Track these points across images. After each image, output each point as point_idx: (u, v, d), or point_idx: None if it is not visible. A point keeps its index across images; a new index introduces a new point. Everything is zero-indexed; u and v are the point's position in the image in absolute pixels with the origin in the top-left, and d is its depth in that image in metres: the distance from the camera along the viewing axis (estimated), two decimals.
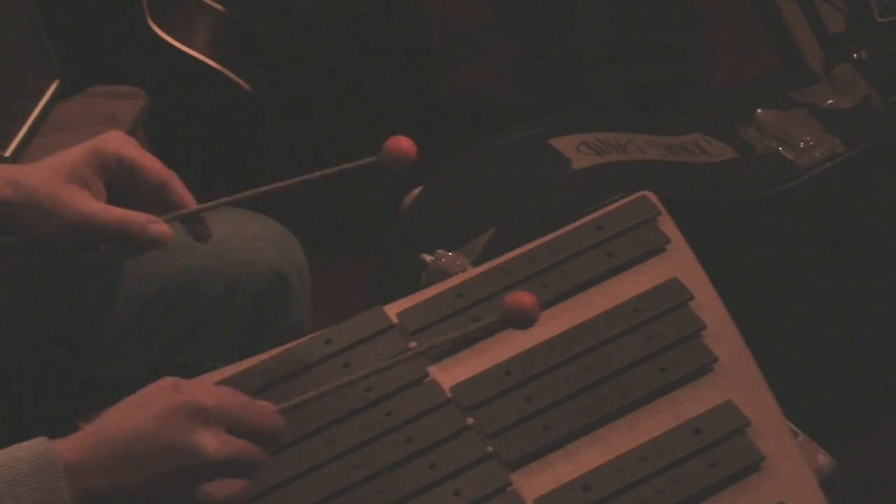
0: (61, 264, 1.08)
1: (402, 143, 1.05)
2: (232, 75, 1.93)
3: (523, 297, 0.95)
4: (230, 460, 0.89)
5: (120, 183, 1.05)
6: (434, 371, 1.06)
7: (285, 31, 2.11)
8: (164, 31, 1.86)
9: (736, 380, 1.04)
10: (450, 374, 1.05)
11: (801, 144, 1.60)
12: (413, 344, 1.07)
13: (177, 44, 1.87)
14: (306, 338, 1.09)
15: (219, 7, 1.96)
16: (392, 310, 1.10)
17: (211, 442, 0.88)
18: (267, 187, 1.09)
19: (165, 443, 0.87)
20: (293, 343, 1.09)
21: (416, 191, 1.58)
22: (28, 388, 1.21)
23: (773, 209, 1.56)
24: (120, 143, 1.05)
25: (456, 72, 2.43)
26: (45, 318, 1.19)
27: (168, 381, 0.91)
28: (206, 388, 0.90)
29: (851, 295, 1.68)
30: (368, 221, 2.11)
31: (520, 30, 2.01)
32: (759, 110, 1.66)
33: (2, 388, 1.19)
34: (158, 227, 1.03)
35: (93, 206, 1.02)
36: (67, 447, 0.88)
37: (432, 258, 1.42)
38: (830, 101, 1.68)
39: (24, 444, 0.88)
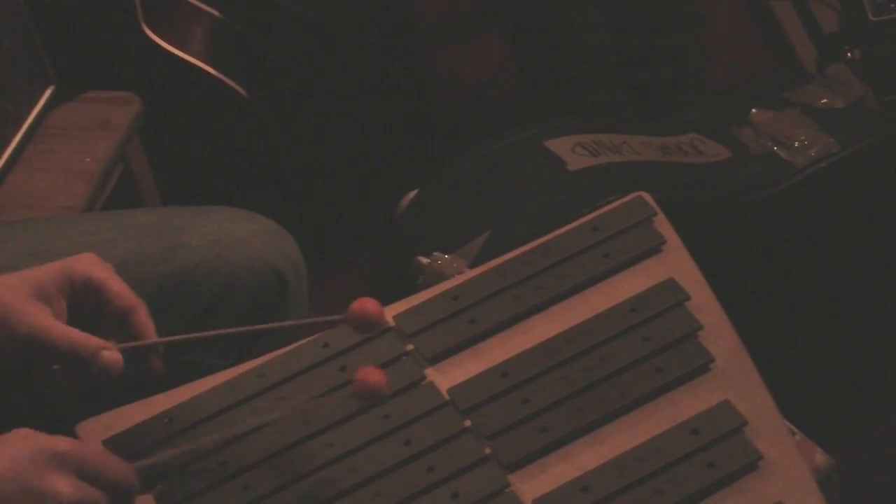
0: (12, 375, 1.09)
1: (368, 306, 1.03)
2: (227, 80, 1.93)
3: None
4: None
5: (86, 305, 1.06)
6: (431, 373, 1.06)
7: (280, 35, 2.11)
8: (158, 36, 1.86)
9: (733, 379, 1.04)
10: (447, 377, 1.05)
11: (796, 144, 1.60)
12: (410, 347, 1.07)
13: (171, 49, 1.87)
14: (304, 341, 1.09)
15: (213, 12, 1.96)
16: (388, 312, 1.10)
17: (64, 487, 0.91)
18: (223, 331, 1.13)
19: (20, 484, 0.89)
20: (291, 346, 1.09)
21: (412, 194, 1.58)
22: (26, 390, 1.21)
23: (768, 209, 1.57)
24: (91, 264, 1.06)
25: (452, 74, 2.43)
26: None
27: (20, 431, 0.93)
28: (61, 438, 0.93)
29: (847, 294, 1.68)
30: (365, 224, 2.12)
31: (516, 32, 2.01)
32: (753, 110, 1.66)
33: (1, 390, 1.19)
34: (110, 354, 1.02)
35: (49, 322, 1.02)
36: None
37: (428, 261, 1.42)
38: (825, 101, 1.68)
39: None
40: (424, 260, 1.42)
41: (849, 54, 1.87)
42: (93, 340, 1.03)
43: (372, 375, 0.98)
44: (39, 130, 1.73)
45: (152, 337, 1.06)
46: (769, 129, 1.63)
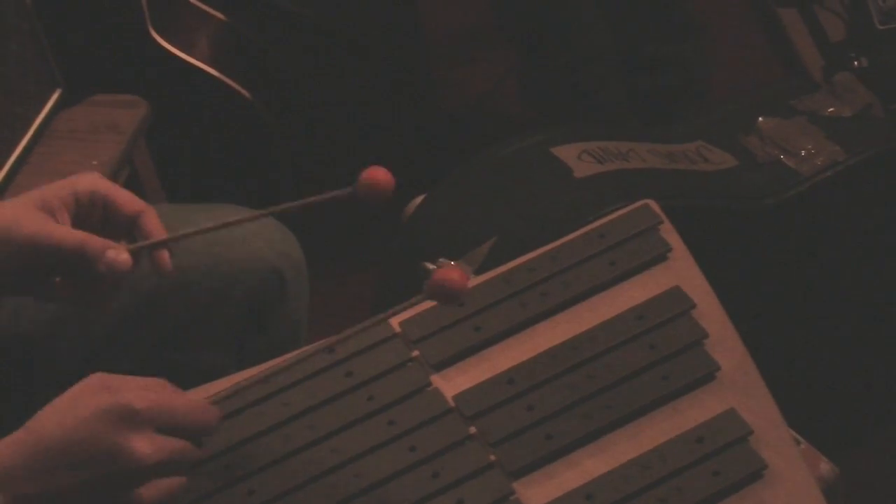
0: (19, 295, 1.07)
1: (378, 174, 1.02)
2: (233, 84, 1.93)
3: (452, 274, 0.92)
4: (162, 463, 0.88)
5: (94, 217, 1.05)
6: (436, 380, 1.06)
7: (286, 40, 2.11)
8: (165, 39, 1.86)
9: (738, 388, 1.04)
10: (452, 384, 1.05)
11: (803, 152, 1.60)
12: (416, 353, 1.07)
13: (178, 53, 1.87)
14: (309, 347, 1.09)
15: (220, 16, 1.97)
16: (394, 319, 1.10)
17: (143, 446, 0.86)
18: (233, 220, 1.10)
19: (97, 448, 0.86)
20: (295, 352, 1.09)
21: (418, 200, 1.58)
22: (21, 389, 1.21)
23: (774, 217, 1.57)
24: (94, 178, 1.05)
25: (457, 81, 2.43)
26: (40, 314, 1.20)
27: (95, 379, 0.89)
28: (136, 388, 0.89)
29: (853, 302, 1.68)
30: (371, 231, 2.12)
31: (521, 40, 2.01)
32: (760, 118, 1.66)
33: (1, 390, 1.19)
34: (117, 252, 1.01)
35: (52, 226, 1.01)
36: None
37: (434, 267, 1.42)
38: (831, 109, 1.68)
39: None
40: (430, 266, 1.41)
41: (855, 62, 1.87)
42: (99, 239, 1.01)
43: (451, 273, 0.92)
44: (46, 133, 1.73)
45: (162, 236, 1.04)
46: (775, 138, 1.63)
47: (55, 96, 1.75)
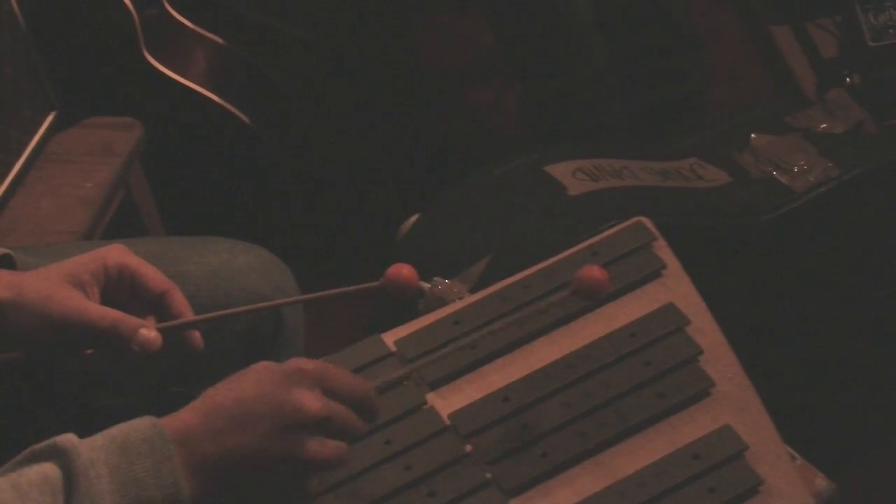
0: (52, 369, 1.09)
1: (403, 271, 1.08)
2: (228, 106, 1.93)
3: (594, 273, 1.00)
4: (330, 420, 0.93)
5: (121, 292, 1.07)
6: (432, 398, 1.06)
7: (283, 62, 2.11)
8: (159, 62, 1.87)
9: (733, 404, 1.04)
10: (448, 402, 1.05)
11: (796, 169, 1.60)
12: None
13: (173, 75, 1.88)
14: None
15: (215, 38, 1.97)
16: (390, 337, 1.10)
17: (311, 400, 0.92)
18: (251, 307, 1.15)
19: (269, 402, 0.91)
20: None
21: (413, 218, 1.59)
22: (23, 418, 1.21)
23: (768, 234, 1.57)
24: (123, 252, 1.08)
25: (453, 101, 2.44)
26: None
27: (264, 362, 0.95)
28: (306, 360, 0.95)
29: (848, 318, 1.68)
30: (366, 249, 2.12)
31: (519, 60, 2.02)
32: (753, 135, 1.67)
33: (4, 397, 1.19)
34: (149, 332, 1.04)
35: (85, 303, 1.04)
36: (175, 419, 0.92)
37: (429, 285, 1.42)
38: (824, 126, 1.69)
39: (132, 421, 0.92)
40: (425, 285, 1.41)
41: (848, 79, 1.88)
42: (132, 319, 1.04)
43: (593, 271, 0.99)
44: (42, 156, 1.74)
45: (189, 317, 1.08)
46: (769, 154, 1.64)
47: (50, 119, 1.75)
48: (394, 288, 1.06)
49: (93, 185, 1.70)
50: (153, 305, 1.08)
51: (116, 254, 1.07)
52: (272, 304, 1.21)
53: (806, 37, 2.00)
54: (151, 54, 1.86)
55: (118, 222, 1.75)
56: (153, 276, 1.08)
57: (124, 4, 1.81)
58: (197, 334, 1.09)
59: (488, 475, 1.00)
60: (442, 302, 1.36)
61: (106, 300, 1.06)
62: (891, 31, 1.88)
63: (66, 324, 1.03)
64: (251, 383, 0.93)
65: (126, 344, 1.04)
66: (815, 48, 1.98)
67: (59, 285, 1.04)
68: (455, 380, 1.07)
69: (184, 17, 1.93)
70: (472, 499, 0.99)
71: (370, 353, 1.09)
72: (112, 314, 1.04)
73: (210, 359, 1.25)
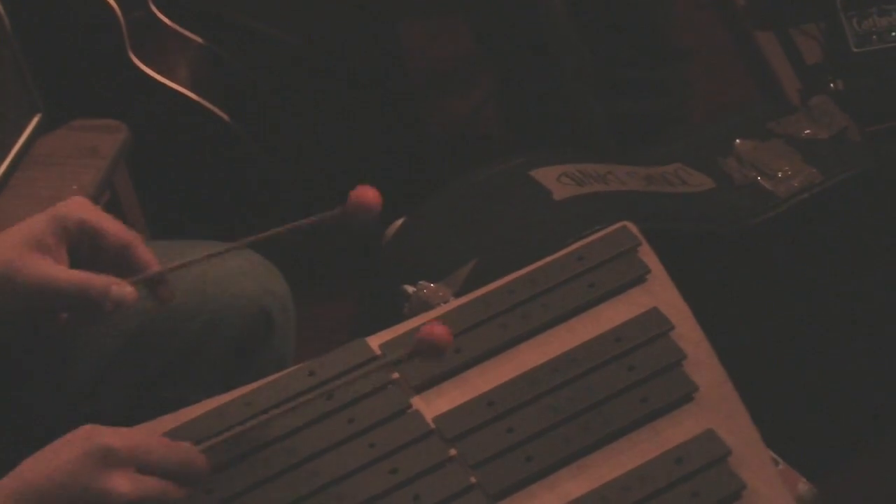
0: (22, 336, 1.08)
1: (368, 194, 1.04)
2: (214, 108, 1.93)
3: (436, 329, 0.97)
4: (143, 501, 0.90)
5: (82, 249, 1.05)
6: (417, 402, 1.06)
7: (267, 64, 2.11)
8: (145, 64, 1.87)
9: (716, 409, 1.04)
10: (432, 406, 1.06)
11: (779, 174, 1.61)
12: (396, 375, 1.07)
13: (158, 77, 1.88)
14: (289, 370, 1.09)
15: (200, 40, 1.97)
16: (374, 341, 1.10)
17: (121, 484, 0.89)
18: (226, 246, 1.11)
19: (76, 489, 0.88)
20: (276, 375, 1.09)
21: (398, 222, 1.59)
22: (8, 425, 1.21)
23: (751, 239, 1.57)
24: (81, 207, 1.05)
25: (437, 105, 2.44)
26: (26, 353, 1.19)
27: (84, 428, 0.92)
28: (119, 432, 0.91)
29: (830, 323, 1.69)
30: (351, 253, 2.12)
31: (500, 64, 2.02)
32: (737, 141, 1.67)
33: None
34: (121, 287, 1.02)
35: (54, 270, 1.01)
36: None
37: (414, 289, 1.42)
38: (808, 132, 1.69)
39: None
40: (410, 289, 1.42)
41: (832, 85, 1.89)
42: (101, 278, 1.01)
43: (436, 329, 0.97)
44: (26, 158, 1.73)
45: (154, 267, 1.05)
46: (753, 160, 1.64)
47: (35, 121, 1.75)
48: (356, 210, 1.03)
49: (78, 188, 1.69)
50: (115, 260, 1.05)
51: (75, 209, 1.04)
52: (231, 247, 1.14)
53: (790, 42, 2.01)
54: (137, 56, 1.85)
55: None
56: (115, 229, 1.05)
57: (110, 6, 1.81)
58: (166, 289, 1.06)
59: (473, 479, 1.00)
60: (427, 306, 1.36)
61: (72, 257, 1.04)
62: (874, 37, 1.89)
63: (35, 293, 1.00)
64: (62, 464, 0.89)
65: (99, 304, 1.01)
66: (798, 54, 1.99)
67: (23, 253, 1.01)
68: (440, 384, 1.07)
69: (169, 19, 1.93)
70: (457, 503, 0.99)
71: (355, 357, 1.09)
72: (81, 276, 1.01)
73: (200, 365, 1.25)
